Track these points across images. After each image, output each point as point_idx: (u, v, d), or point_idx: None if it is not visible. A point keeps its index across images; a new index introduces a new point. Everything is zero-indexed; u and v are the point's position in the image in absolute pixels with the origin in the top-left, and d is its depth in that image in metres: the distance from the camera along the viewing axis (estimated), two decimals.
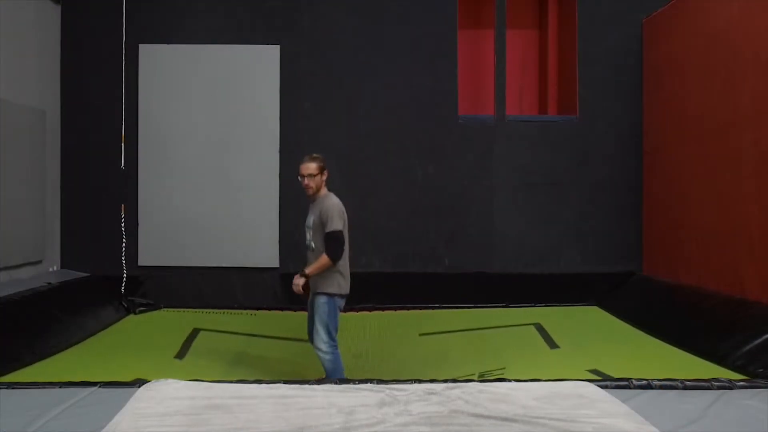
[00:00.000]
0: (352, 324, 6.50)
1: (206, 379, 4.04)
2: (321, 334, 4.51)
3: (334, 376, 4.47)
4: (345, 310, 4.91)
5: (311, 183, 4.55)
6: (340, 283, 4.53)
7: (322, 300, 4.51)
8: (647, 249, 7.30)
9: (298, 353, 5.58)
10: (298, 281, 4.50)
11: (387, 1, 7.46)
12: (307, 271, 4.47)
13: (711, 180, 5.84)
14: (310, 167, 4.55)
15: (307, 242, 4.64)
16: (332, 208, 4.50)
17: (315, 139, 7.37)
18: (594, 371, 4.70)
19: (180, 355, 5.55)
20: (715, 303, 5.45)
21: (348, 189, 7.41)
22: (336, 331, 4.59)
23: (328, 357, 4.50)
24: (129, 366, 4.96)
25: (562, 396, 3.19)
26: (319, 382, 3.84)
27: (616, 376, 4.28)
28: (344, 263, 4.58)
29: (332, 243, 4.45)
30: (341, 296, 4.57)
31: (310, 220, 4.61)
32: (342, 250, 4.51)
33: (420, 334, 6.32)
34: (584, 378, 4.27)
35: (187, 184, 7.28)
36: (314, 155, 4.64)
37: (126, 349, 5.59)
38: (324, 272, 4.50)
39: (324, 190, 4.63)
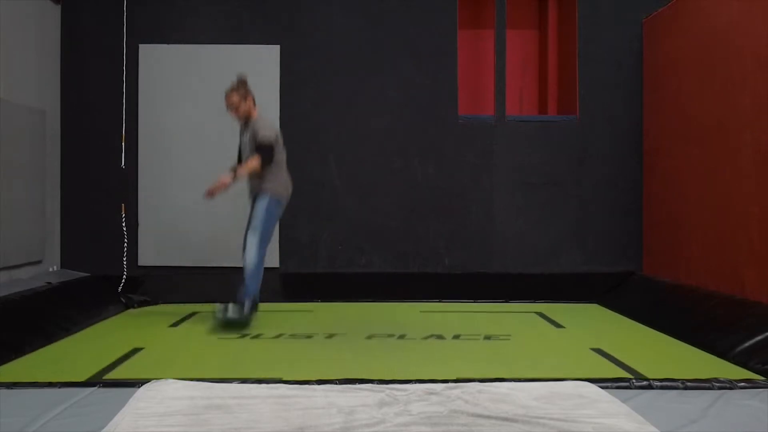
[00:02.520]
0: (352, 312, 6.55)
1: (197, 342, 4.14)
2: (252, 242, 4.68)
3: (252, 279, 4.68)
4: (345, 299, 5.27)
5: (236, 113, 4.96)
6: (278, 188, 4.71)
7: (261, 202, 4.71)
8: (647, 249, 7.30)
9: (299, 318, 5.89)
10: (224, 178, 4.69)
11: (387, 1, 7.46)
12: (239, 171, 4.69)
13: (711, 180, 5.84)
14: (232, 98, 4.94)
15: (243, 161, 4.94)
16: (263, 124, 4.77)
17: (315, 139, 7.38)
18: (597, 350, 4.85)
19: (175, 324, 5.84)
20: (715, 303, 5.45)
21: (348, 189, 7.46)
22: (268, 241, 4.78)
23: (252, 267, 4.66)
24: (125, 339, 5.23)
25: (562, 396, 3.19)
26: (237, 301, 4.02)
27: (619, 357, 4.56)
28: (281, 177, 4.74)
29: (262, 149, 4.72)
30: (277, 201, 4.73)
31: (244, 139, 4.87)
32: (271, 156, 4.72)
33: (421, 311, 6.55)
34: (586, 356, 4.38)
35: (187, 183, 7.28)
36: (233, 85, 4.84)
37: (123, 329, 5.77)
38: (264, 180, 4.80)
39: (255, 113, 4.86)
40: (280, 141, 4.96)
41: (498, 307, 6.98)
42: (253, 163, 4.69)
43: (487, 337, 5.32)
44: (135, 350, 4.79)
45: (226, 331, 5.38)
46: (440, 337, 5.33)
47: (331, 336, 5.33)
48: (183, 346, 5.02)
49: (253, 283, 4.94)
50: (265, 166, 4.72)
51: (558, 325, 5.95)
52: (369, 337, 5.29)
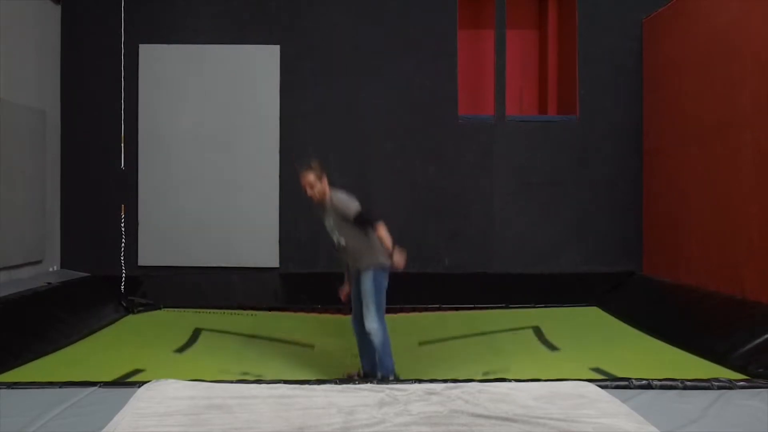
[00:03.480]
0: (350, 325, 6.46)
1: (206, 378, 4.07)
2: (371, 312, 4.63)
3: (386, 353, 4.59)
4: (346, 312, 5.00)
5: (314, 193, 4.75)
6: (380, 261, 4.69)
7: (367, 277, 4.64)
8: (647, 249, 7.30)
9: (299, 354, 5.61)
10: (400, 257, 4.60)
11: (387, 1, 7.46)
12: (387, 244, 4.61)
13: (711, 180, 5.84)
14: (309, 178, 4.75)
15: (336, 244, 4.84)
16: (343, 200, 4.71)
17: (315, 139, 7.37)
18: (596, 369, 4.71)
19: (180, 349, 5.59)
20: (715, 303, 5.45)
21: (348, 189, 7.41)
22: (383, 309, 4.72)
23: (379, 336, 4.66)
24: (126, 357, 5.06)
25: (562, 396, 3.19)
26: (360, 376, 3.92)
27: (619, 375, 4.31)
28: (374, 242, 4.73)
29: (365, 219, 4.65)
30: (383, 269, 4.70)
31: (330, 222, 4.80)
32: (373, 219, 4.67)
33: (420, 343, 6.20)
34: (586, 377, 4.31)
35: (187, 184, 7.28)
36: (310, 164, 4.78)
37: (126, 346, 5.61)
38: (362, 256, 4.70)
39: (328, 192, 4.77)
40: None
41: (496, 321, 6.67)
42: (382, 231, 4.63)
43: (486, 373, 4.90)
44: (136, 371, 4.64)
45: None
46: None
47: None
48: (184, 376, 4.77)
49: (388, 358, 4.80)
50: (380, 225, 4.70)
51: (553, 348, 5.67)
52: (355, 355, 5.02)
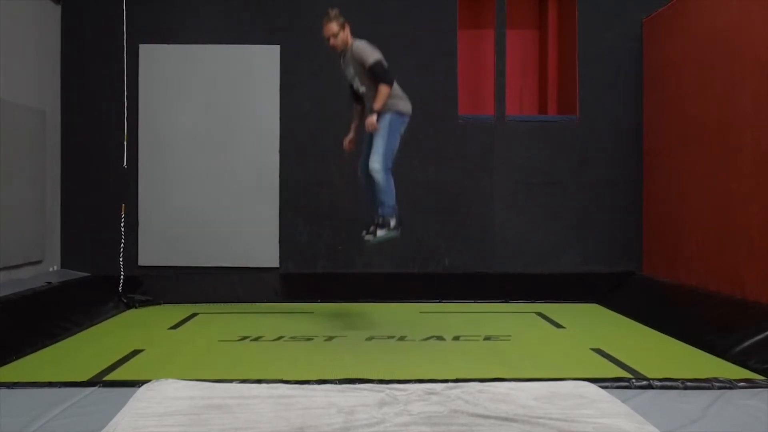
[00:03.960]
0: (352, 313, 6.55)
1: (202, 347, 4.15)
2: (378, 153, 4.77)
3: (386, 195, 4.71)
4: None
5: (337, 41, 4.92)
6: (399, 104, 4.77)
7: (384, 119, 4.80)
8: (647, 249, 7.30)
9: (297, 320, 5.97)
10: (371, 120, 4.76)
11: (387, 1, 7.46)
12: (375, 106, 4.68)
13: (711, 180, 5.84)
14: (332, 27, 4.96)
15: (358, 91, 5.02)
16: (363, 47, 4.84)
17: (315, 139, 7.38)
18: (597, 350, 4.86)
19: (175, 326, 5.84)
20: (715, 303, 5.45)
21: (348, 189, 7.44)
22: (392, 154, 4.82)
23: (380, 175, 4.81)
24: (125, 340, 5.23)
25: (562, 396, 3.19)
26: (377, 224, 4.26)
27: (619, 357, 4.58)
28: (397, 89, 4.78)
29: (379, 71, 4.77)
30: (402, 115, 4.76)
31: (350, 70, 4.93)
32: (389, 73, 4.76)
33: (420, 312, 6.57)
34: (585, 356, 4.38)
35: (187, 184, 7.29)
36: (330, 14, 4.86)
37: (123, 330, 5.76)
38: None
39: (349, 39, 4.87)
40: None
41: (498, 307, 6.98)
42: (385, 90, 4.76)
43: (488, 338, 5.33)
44: (135, 352, 4.79)
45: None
46: (440, 338, 5.33)
47: (330, 338, 5.33)
48: (183, 349, 5.01)
49: (389, 199, 5.00)
50: (392, 85, 4.79)
51: (558, 325, 5.95)
52: (369, 339, 5.29)
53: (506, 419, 2.85)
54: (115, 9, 7.20)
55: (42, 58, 6.95)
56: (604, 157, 7.45)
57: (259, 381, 3.64)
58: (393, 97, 4.89)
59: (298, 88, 7.38)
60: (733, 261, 5.45)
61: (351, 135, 5.27)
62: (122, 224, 7.16)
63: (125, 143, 7.22)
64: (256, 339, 5.26)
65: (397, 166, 7.38)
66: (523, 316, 6.46)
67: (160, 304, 6.98)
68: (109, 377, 4.06)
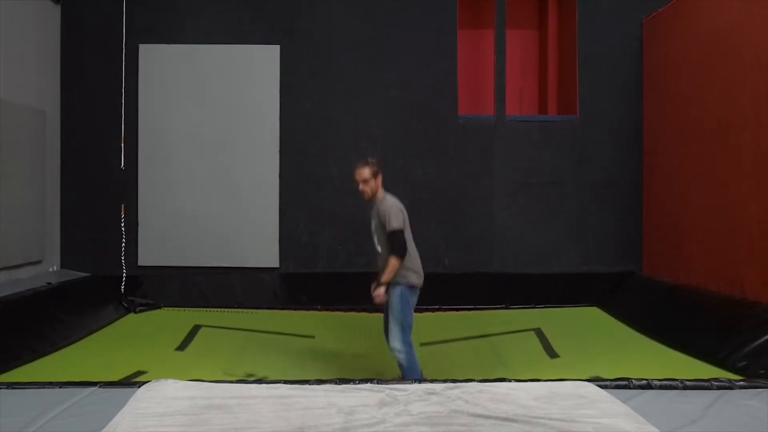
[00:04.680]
0: (354, 324, 6.49)
1: (207, 378, 4.09)
2: (394, 331, 4.52)
3: (410, 375, 4.47)
4: (345, 309, 4.91)
5: (366, 188, 4.66)
6: (410, 277, 4.56)
7: (395, 292, 4.53)
8: (647, 249, 7.29)
9: (300, 349, 5.68)
10: (378, 292, 4.50)
11: (387, 1, 7.46)
12: (383, 279, 4.48)
13: (711, 180, 5.84)
14: (364, 173, 4.64)
15: (377, 248, 4.73)
16: (389, 209, 4.58)
17: (315, 139, 7.38)
18: (595, 379, 4.66)
19: (181, 347, 5.62)
20: (715, 303, 5.45)
21: (348, 189, 7.44)
22: (410, 328, 4.58)
23: (402, 355, 4.51)
24: (128, 358, 5.09)
25: (562, 396, 3.19)
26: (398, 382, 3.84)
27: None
28: (412, 258, 4.60)
29: (394, 242, 4.52)
30: (411, 288, 4.58)
31: (373, 224, 4.69)
32: (405, 247, 4.53)
33: (421, 344, 6.22)
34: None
35: (187, 184, 7.28)
36: (368, 160, 4.70)
37: (127, 344, 5.63)
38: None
39: (380, 193, 4.71)
40: (407, 221, 4.72)
41: (496, 322, 6.67)
42: (395, 264, 4.51)
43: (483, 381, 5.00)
44: (138, 373, 4.64)
45: None
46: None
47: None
48: (186, 378, 4.78)
49: (412, 375, 4.64)
50: (402, 260, 4.55)
51: (554, 354, 5.63)
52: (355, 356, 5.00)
53: (506, 419, 2.84)
54: (115, 9, 7.21)
55: (42, 58, 6.95)
56: (604, 157, 7.45)
57: (259, 381, 3.63)
58: (407, 269, 4.59)
59: (298, 88, 7.38)
60: (733, 261, 5.44)
61: (382, 290, 4.63)
62: (122, 224, 7.16)
63: (123, 144, 7.22)
64: (260, 380, 5.01)
65: (397, 166, 7.44)
66: (520, 341, 6.10)
67: (160, 307, 6.97)
68: None
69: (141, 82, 7.31)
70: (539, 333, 6.22)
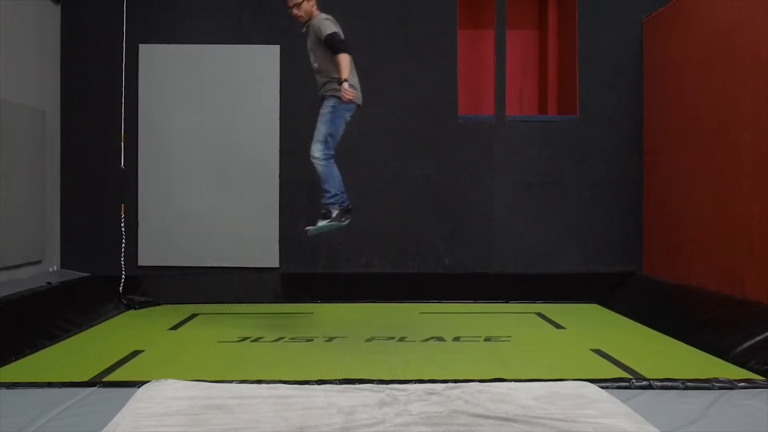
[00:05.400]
0: (352, 314, 6.54)
1: (202, 348, 4.16)
2: (317, 141, 4.63)
3: (327, 183, 4.61)
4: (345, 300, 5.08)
5: (300, 12, 4.85)
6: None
7: (328, 103, 4.67)
8: (647, 249, 7.29)
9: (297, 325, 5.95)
10: (345, 87, 4.61)
11: (387, 1, 7.46)
12: (343, 76, 4.58)
13: (711, 180, 5.84)
14: None
15: (313, 66, 4.89)
16: (321, 21, 4.73)
17: None
18: (597, 351, 4.86)
19: (175, 327, 5.84)
20: (715, 303, 5.44)
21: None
22: (334, 141, 4.68)
23: (321, 164, 4.69)
24: (125, 341, 5.23)
25: (562, 396, 3.19)
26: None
27: (618, 358, 4.57)
28: (352, 78, 4.72)
29: (334, 43, 4.66)
30: (349, 102, 4.65)
31: (309, 42, 4.82)
32: (344, 43, 4.68)
33: (420, 312, 6.56)
34: (585, 357, 4.43)
35: (187, 184, 7.28)
36: None
37: (123, 331, 5.76)
38: (332, 80, 4.72)
39: (315, 12, 4.80)
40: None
41: (498, 307, 6.98)
42: (345, 59, 4.62)
43: (488, 339, 5.32)
44: (135, 353, 4.79)
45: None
46: (440, 339, 5.32)
47: (330, 339, 5.32)
48: (183, 349, 5.01)
49: (331, 187, 4.81)
50: (346, 52, 4.66)
51: (558, 326, 5.95)
52: (369, 340, 5.28)
53: (506, 419, 2.85)
54: (115, 9, 7.20)
55: (42, 58, 6.95)
56: (604, 157, 7.45)
57: (259, 381, 3.63)
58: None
59: (298, 88, 7.37)
60: (733, 261, 5.44)
61: (346, 84, 4.82)
62: (122, 224, 7.16)
63: (122, 144, 7.21)
64: (256, 340, 5.26)
65: (397, 166, 7.45)
66: (523, 317, 6.45)
67: (159, 304, 6.98)
68: (108, 378, 4.06)
69: (141, 82, 7.30)
70: (541, 315, 6.50)
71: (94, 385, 3.60)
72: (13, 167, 6.17)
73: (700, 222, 6.04)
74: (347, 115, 4.80)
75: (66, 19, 7.33)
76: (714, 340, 4.87)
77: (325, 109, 4.73)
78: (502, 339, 5.31)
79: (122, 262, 7.13)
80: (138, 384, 3.42)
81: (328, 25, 4.72)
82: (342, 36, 4.78)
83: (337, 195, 4.98)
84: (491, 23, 7.58)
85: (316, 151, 4.71)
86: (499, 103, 7.47)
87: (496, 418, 2.86)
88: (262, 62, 7.35)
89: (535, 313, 6.62)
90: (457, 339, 5.30)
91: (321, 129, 4.70)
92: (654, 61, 7.14)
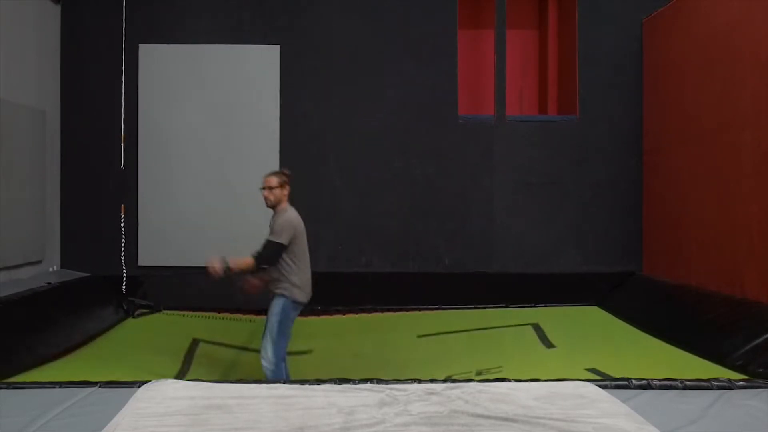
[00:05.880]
0: (351, 325, 6.51)
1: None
2: (267, 343, 4.50)
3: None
4: (344, 311, 4.89)
5: (270, 195, 4.70)
6: (295, 293, 4.57)
7: (277, 303, 4.56)
8: (647, 249, 7.29)
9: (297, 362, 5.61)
10: (216, 264, 4.49)
11: (387, 1, 7.46)
12: (231, 263, 4.49)
13: (711, 180, 5.84)
14: (272, 181, 4.71)
15: None
16: (283, 223, 4.60)
17: (315, 139, 7.38)
18: (592, 370, 4.72)
19: (181, 373, 5.41)
20: (715, 303, 5.44)
21: (348, 189, 7.45)
22: (285, 341, 4.55)
23: (269, 370, 4.46)
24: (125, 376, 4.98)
25: (562, 396, 3.19)
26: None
27: (614, 375, 4.31)
28: (302, 275, 4.60)
29: (263, 249, 4.58)
30: (295, 303, 4.58)
31: (268, 231, 4.69)
32: (271, 260, 4.55)
33: (418, 336, 6.34)
34: (581, 377, 4.33)
35: (187, 184, 7.28)
36: (279, 171, 4.80)
37: (126, 359, 5.46)
38: (281, 279, 4.59)
39: (284, 204, 4.72)
40: (302, 235, 4.71)
41: (495, 318, 6.76)
42: (247, 262, 4.51)
43: (479, 372, 5.02)
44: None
45: None
46: (433, 380, 4.96)
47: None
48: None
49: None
50: (258, 266, 4.54)
51: (550, 345, 5.73)
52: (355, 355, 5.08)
53: (506, 419, 2.85)
54: (115, 9, 7.20)
55: (42, 58, 6.95)
56: (604, 157, 7.45)
57: (259, 381, 3.63)
58: (294, 285, 4.58)
59: (298, 88, 7.38)
60: (733, 261, 5.44)
61: (210, 269, 4.65)
62: (122, 224, 7.16)
63: (122, 144, 7.21)
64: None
65: (397, 166, 7.45)
66: (518, 333, 6.20)
67: (159, 311, 6.97)
68: None
69: (141, 82, 7.30)
70: (536, 327, 6.32)
71: (94, 385, 3.60)
72: (13, 167, 6.17)
73: (700, 222, 6.04)
74: (295, 315, 4.69)
75: (66, 19, 7.33)
76: (714, 342, 4.86)
77: (275, 308, 4.49)
78: (493, 370, 5.01)
79: (123, 262, 7.13)
80: (138, 384, 3.42)
81: (281, 232, 4.52)
82: (279, 249, 4.55)
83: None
84: (491, 23, 7.58)
85: (264, 359, 4.46)
86: (499, 103, 7.47)
87: (496, 418, 2.86)
88: (262, 62, 7.35)
89: (531, 324, 6.42)
90: (449, 378, 4.75)
91: (270, 331, 4.45)
92: (654, 61, 7.14)
